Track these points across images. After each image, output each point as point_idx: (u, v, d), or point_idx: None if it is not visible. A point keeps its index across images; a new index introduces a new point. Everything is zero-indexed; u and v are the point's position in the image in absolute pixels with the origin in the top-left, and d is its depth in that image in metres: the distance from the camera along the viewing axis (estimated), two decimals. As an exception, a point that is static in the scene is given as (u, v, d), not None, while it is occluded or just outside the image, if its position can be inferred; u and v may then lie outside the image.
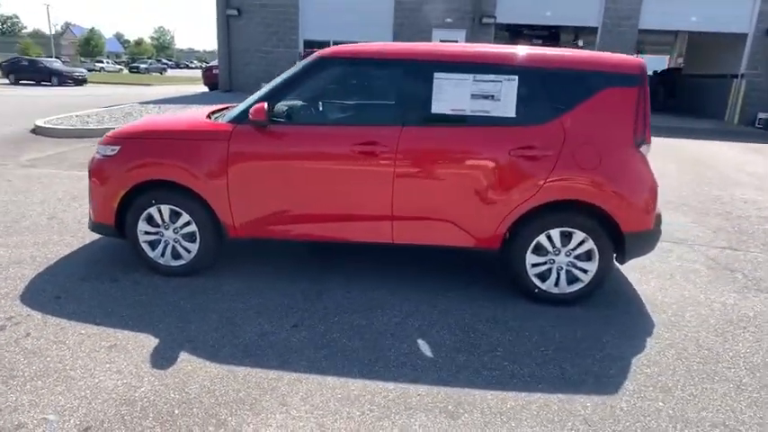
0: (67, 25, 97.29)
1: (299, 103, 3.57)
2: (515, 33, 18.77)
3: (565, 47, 25.79)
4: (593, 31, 16.76)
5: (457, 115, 3.29)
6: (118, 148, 3.53)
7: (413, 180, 3.31)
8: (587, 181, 3.21)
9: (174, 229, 3.59)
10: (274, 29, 16.85)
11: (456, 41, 16.49)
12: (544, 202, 3.25)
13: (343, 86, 3.83)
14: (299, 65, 3.53)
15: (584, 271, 3.38)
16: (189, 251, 3.62)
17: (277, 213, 3.48)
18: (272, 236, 3.55)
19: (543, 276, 3.42)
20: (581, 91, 3.27)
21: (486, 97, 3.27)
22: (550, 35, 18.36)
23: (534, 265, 3.40)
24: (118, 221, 3.60)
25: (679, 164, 8.92)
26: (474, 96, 3.27)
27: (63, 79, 26.48)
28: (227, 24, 17.17)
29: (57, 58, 43.20)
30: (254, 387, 2.51)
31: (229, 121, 3.45)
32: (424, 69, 3.31)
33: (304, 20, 17.14)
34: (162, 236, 3.61)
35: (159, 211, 3.55)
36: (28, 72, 26.99)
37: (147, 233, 3.61)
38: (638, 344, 3.02)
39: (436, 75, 3.28)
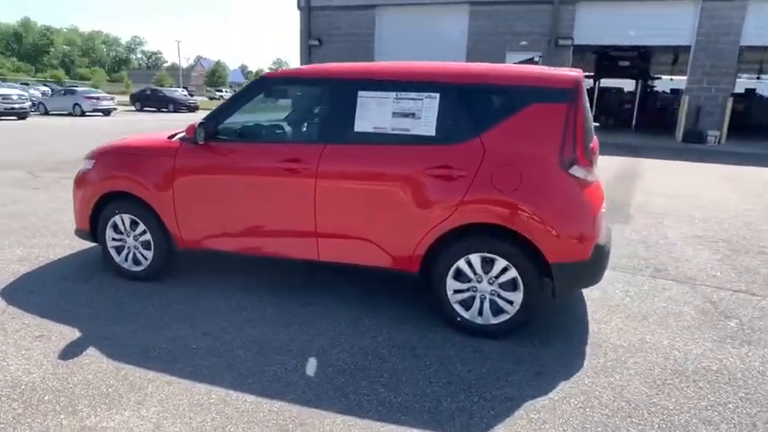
0: (198, 59, 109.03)
1: (243, 121, 3.75)
2: (602, 56, 17.81)
3: (660, 67, 24.00)
4: (686, 49, 15.40)
5: (378, 134, 3.25)
6: (93, 162, 3.95)
7: (333, 198, 3.32)
8: (504, 204, 3.00)
9: (134, 237, 3.91)
10: (351, 57, 17.60)
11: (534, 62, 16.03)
12: (458, 224, 3.09)
13: (280, 105, 3.96)
14: (245, 86, 3.73)
15: (510, 302, 3.13)
16: (146, 258, 3.91)
17: (216, 227, 3.66)
18: (214, 248, 3.72)
19: (467, 305, 3.22)
20: (505, 107, 3.10)
21: (406, 115, 3.20)
22: (640, 56, 17.15)
23: (456, 292, 3.22)
24: (92, 228, 4.01)
25: (739, 192, 7.86)
26: (395, 114, 3.22)
27: (178, 106, 29.82)
28: (309, 53, 18.26)
29: (185, 88, 48.48)
30: (125, 384, 2.65)
31: (178, 139, 3.71)
32: (349, 88, 3.33)
33: (379, 47, 17.72)
34: (125, 242, 3.95)
35: (122, 219, 3.89)
36: (151, 100, 30.85)
37: (113, 239, 3.98)
38: (546, 387, 2.73)
39: (360, 93, 3.29)
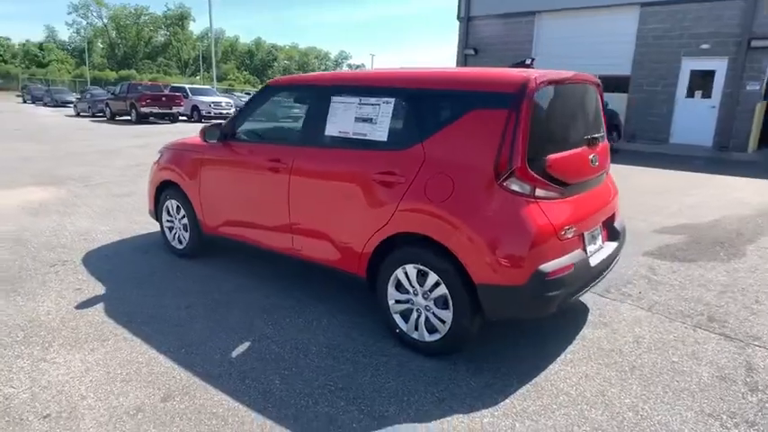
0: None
1: (253, 123, 4.14)
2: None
3: None
4: None
5: (342, 138, 3.34)
6: (160, 155, 4.77)
7: (301, 197, 3.51)
8: (432, 214, 2.84)
9: (178, 220, 4.61)
10: (506, 65, 17.10)
11: (713, 72, 13.71)
12: (394, 232, 3.01)
13: (279, 109, 4.23)
14: (257, 91, 4.12)
15: (441, 320, 2.94)
16: (185, 239, 4.59)
17: (227, 217, 4.13)
18: (227, 236, 4.20)
19: (406, 317, 3.12)
20: (448, 113, 2.93)
21: (365, 120, 3.23)
22: None
23: (397, 302, 3.13)
24: (156, 210, 4.84)
25: None
26: (357, 119, 3.27)
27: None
28: (465, 63, 18.30)
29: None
30: (96, 335, 3.23)
31: (204, 139, 4.27)
32: (325, 94, 3.47)
33: (538, 55, 16.87)
34: (174, 224, 4.68)
35: (171, 204, 4.63)
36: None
37: (167, 221, 4.75)
38: (434, 415, 2.53)
39: (333, 98, 3.41)
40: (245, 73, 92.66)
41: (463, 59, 18.40)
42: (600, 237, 3.30)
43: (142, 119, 22.07)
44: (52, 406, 2.53)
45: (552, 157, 2.82)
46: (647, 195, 8.01)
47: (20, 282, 4.05)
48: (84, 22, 77.67)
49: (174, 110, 22.87)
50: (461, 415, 2.53)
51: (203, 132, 4.07)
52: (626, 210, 6.79)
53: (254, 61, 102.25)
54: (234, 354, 3.07)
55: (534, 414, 2.56)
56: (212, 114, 24.29)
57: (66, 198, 7.02)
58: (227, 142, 4.05)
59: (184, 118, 24.47)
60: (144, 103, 21.93)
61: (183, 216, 4.53)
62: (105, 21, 78.57)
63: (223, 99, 25.99)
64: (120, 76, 56.98)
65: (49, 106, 33.16)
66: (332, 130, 3.39)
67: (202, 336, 3.26)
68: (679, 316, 3.68)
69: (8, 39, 72.57)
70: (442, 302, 2.92)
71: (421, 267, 2.95)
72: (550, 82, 2.86)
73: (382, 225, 3.05)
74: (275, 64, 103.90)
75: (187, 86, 25.82)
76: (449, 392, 2.71)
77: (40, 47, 73.00)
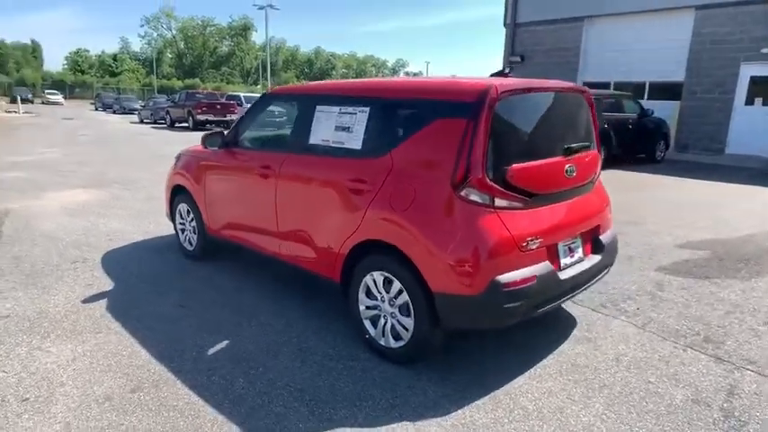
0: (451, 77, 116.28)
1: (251, 130, 4.30)
2: None
3: None
4: None
5: (323, 146, 3.44)
6: (174, 161, 5.06)
7: (286, 202, 3.64)
8: (394, 222, 2.88)
9: (189, 222, 4.87)
10: (553, 73, 16.68)
11: (775, 77, 12.81)
12: (363, 239, 3.06)
13: (274, 117, 4.36)
14: (256, 100, 4.29)
15: (405, 328, 2.97)
16: (194, 241, 4.83)
17: (226, 220, 4.33)
18: (225, 238, 4.40)
19: (375, 323, 3.16)
20: (414, 123, 2.97)
21: (343, 129, 3.32)
22: None
23: (367, 308, 3.18)
24: (171, 212, 5.13)
25: None
26: (336, 128, 3.36)
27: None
28: (510, 70, 18.02)
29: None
30: (92, 328, 3.47)
31: (204, 146, 4.47)
32: (311, 103, 3.59)
33: (584, 62, 16.38)
34: (185, 226, 4.94)
35: (182, 208, 4.89)
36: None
37: (180, 223, 5.02)
38: (362, 423, 2.56)
39: (317, 107, 3.53)
40: (303, 81, 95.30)
41: (508, 67, 18.13)
42: (580, 249, 3.21)
43: (199, 126, 23.18)
44: (33, 390, 2.76)
45: (515, 167, 2.79)
46: (682, 208, 7.61)
47: (41, 276, 4.41)
48: (155, 34, 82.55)
49: (228, 117, 23.85)
50: (408, 422, 2.55)
51: (204, 139, 4.29)
52: (654, 223, 6.52)
53: (314, 70, 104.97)
54: (210, 351, 3.22)
55: (482, 427, 2.53)
56: (264, 121, 25.13)
57: (107, 200, 7.53)
58: (230, 149, 4.25)
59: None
60: (200, 110, 23.08)
61: (192, 219, 4.77)
62: (174, 32, 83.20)
63: (276, 107, 26.83)
64: (186, 84, 60.11)
65: (117, 113, 35.47)
66: (315, 138, 3.50)
67: (187, 333, 3.44)
68: (672, 335, 3.51)
69: (87, 50, 78.64)
70: (405, 310, 2.95)
71: (386, 275, 2.99)
72: (515, 91, 2.84)
73: (352, 232, 3.12)
74: (333, 72, 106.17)
75: (242, 95, 26.86)
76: (403, 400, 2.73)
77: (114, 57, 78.38)
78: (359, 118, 3.24)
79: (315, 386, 2.85)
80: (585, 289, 3.35)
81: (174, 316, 3.70)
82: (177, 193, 4.95)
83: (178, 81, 67.47)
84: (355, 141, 3.23)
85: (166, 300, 3.98)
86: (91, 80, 64.62)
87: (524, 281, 2.73)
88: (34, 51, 76.46)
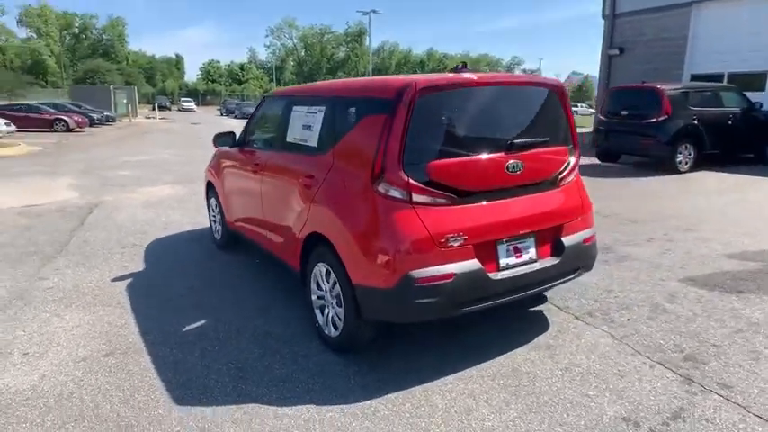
0: (571, 74, 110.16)
1: (256, 130, 4.64)
2: None
3: None
4: None
5: (294, 143, 3.67)
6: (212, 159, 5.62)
7: (266, 196, 3.95)
8: (326, 216, 3.04)
9: (216, 215, 5.38)
10: (654, 65, 15.21)
11: None
12: (309, 231, 3.24)
13: (271, 117, 4.60)
14: (259, 101, 4.63)
15: (340, 318, 3.09)
16: (219, 232, 5.34)
17: (237, 213, 4.74)
18: (236, 229, 4.81)
19: (323, 313, 3.31)
20: (351, 120, 3.09)
21: (307, 127, 3.53)
22: None
23: (318, 298, 3.35)
24: (207, 206, 5.71)
25: None
26: (303, 127, 3.58)
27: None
28: (608, 63, 16.80)
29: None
30: (102, 301, 4.05)
31: (215, 146, 4.92)
32: (290, 103, 3.85)
33: (692, 51, 14.70)
34: (215, 219, 5.47)
35: (212, 202, 5.42)
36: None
37: (212, 216, 5.57)
38: (290, 399, 2.72)
39: (294, 108, 3.77)
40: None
41: (607, 60, 16.93)
42: (533, 250, 3.08)
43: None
44: (35, 347, 3.33)
45: (436, 163, 2.78)
46: (762, 215, 6.67)
47: (93, 257, 5.18)
48: (279, 44, 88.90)
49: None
50: (312, 406, 2.68)
51: (215, 139, 4.74)
52: (711, 230, 5.80)
53: (426, 71, 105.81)
54: (185, 328, 3.60)
55: (381, 418, 2.58)
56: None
57: (183, 195, 8.47)
58: (241, 148, 4.65)
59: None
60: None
61: (218, 212, 5.27)
62: (295, 41, 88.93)
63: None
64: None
65: (237, 118, 38.86)
66: (290, 136, 3.75)
67: (176, 311, 3.87)
68: (649, 350, 3.20)
69: (217, 61, 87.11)
70: (339, 301, 3.07)
71: (327, 266, 3.14)
72: (439, 87, 2.83)
73: (303, 224, 3.32)
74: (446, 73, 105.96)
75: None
76: (323, 386, 2.87)
77: (241, 67, 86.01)
78: (317, 117, 3.42)
79: (252, 366, 3.09)
80: (542, 291, 3.21)
81: (176, 296, 4.17)
82: (209, 188, 5.49)
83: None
84: (313, 139, 3.42)
85: (182, 283, 4.47)
86: (220, 88, 71.65)
87: (440, 277, 2.72)
88: (177, 64, 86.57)
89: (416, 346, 3.30)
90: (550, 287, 3.33)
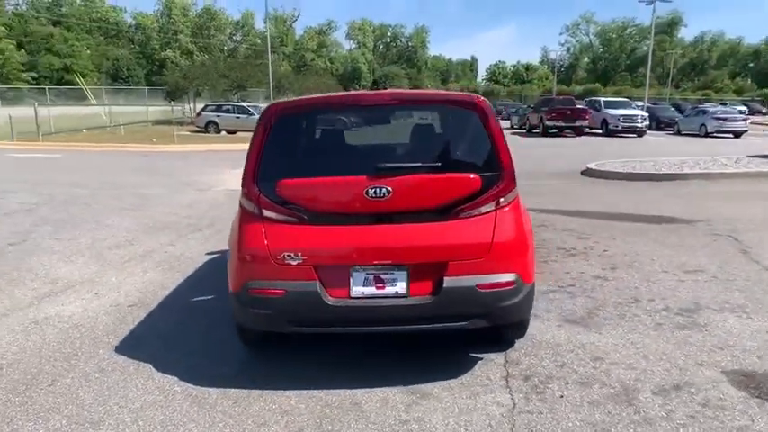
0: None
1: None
2: None
3: None
4: None
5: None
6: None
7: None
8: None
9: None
10: None
11: None
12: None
13: None
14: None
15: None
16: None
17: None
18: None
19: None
20: None
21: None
22: None
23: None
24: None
25: None
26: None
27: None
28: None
29: None
30: (164, 262, 5.25)
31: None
32: None
33: None
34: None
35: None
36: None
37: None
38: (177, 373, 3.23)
39: None
40: (738, 80, 79.21)
41: None
42: (402, 284, 2.81)
43: (547, 131, 23.74)
44: (105, 288, 4.67)
45: (286, 181, 2.83)
46: None
47: (187, 231, 6.58)
48: (574, 41, 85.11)
49: (578, 123, 23.40)
50: (178, 382, 3.08)
51: None
52: None
53: (759, 65, 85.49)
54: (194, 299, 4.44)
55: (219, 411, 2.83)
56: (619, 128, 23.45)
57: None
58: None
59: (599, 131, 24.54)
60: (549, 116, 23.54)
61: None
62: (591, 37, 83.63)
63: (638, 113, 24.48)
64: (586, 89, 60.10)
65: (504, 119, 39.06)
66: None
67: (202, 283, 4.75)
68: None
69: (503, 62, 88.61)
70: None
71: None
72: (299, 109, 2.84)
73: None
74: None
75: (602, 99, 25.67)
76: (204, 370, 3.22)
77: (527, 67, 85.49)
78: None
79: (179, 338, 3.66)
80: (423, 331, 2.90)
81: (214, 271, 5.05)
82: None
83: (578, 86, 68.05)
84: None
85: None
86: (499, 89, 73.15)
87: (270, 292, 2.81)
88: (471, 66, 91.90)
89: (310, 354, 3.37)
90: (432, 330, 2.93)
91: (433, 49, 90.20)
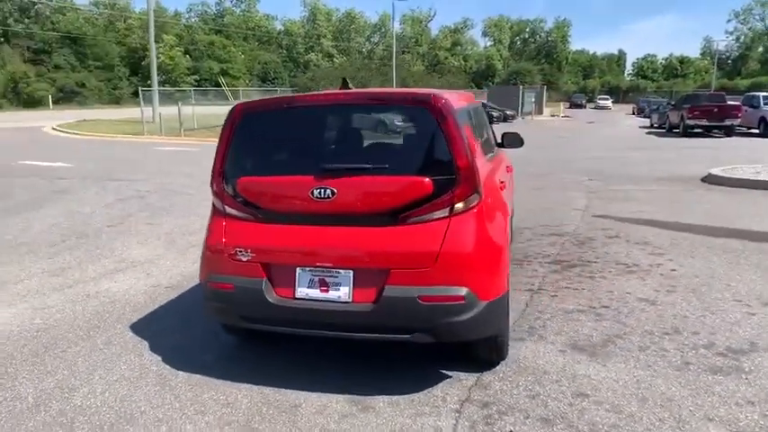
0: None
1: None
2: None
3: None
4: None
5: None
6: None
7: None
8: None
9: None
10: None
11: None
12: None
13: None
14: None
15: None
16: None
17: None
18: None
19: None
20: None
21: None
22: None
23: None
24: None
25: None
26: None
27: None
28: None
29: None
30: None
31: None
32: None
33: None
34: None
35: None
36: None
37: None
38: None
39: None
40: None
41: None
42: (347, 289, 2.72)
43: (687, 131, 21.00)
44: (146, 266, 5.17)
45: (244, 179, 2.88)
46: None
47: None
48: (745, 28, 73.91)
49: (728, 122, 20.33)
50: (156, 368, 3.28)
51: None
52: None
53: None
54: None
55: (187, 399, 3.02)
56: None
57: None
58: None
59: (756, 131, 21.06)
60: (691, 114, 20.76)
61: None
62: (768, 23, 71.93)
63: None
64: (754, 83, 51.63)
65: (646, 117, 35.13)
66: None
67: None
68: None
69: (654, 55, 79.79)
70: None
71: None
72: (259, 108, 2.86)
73: None
74: None
75: (761, 94, 21.88)
76: (188, 355, 3.41)
77: (681, 60, 75.95)
78: None
79: (187, 322, 3.92)
80: (367, 338, 2.79)
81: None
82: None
83: (743, 81, 58.71)
84: None
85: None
86: (646, 84, 66.04)
87: (222, 285, 2.91)
88: (618, 60, 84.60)
89: (289, 352, 3.39)
90: (374, 338, 2.78)
91: (576, 44, 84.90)
